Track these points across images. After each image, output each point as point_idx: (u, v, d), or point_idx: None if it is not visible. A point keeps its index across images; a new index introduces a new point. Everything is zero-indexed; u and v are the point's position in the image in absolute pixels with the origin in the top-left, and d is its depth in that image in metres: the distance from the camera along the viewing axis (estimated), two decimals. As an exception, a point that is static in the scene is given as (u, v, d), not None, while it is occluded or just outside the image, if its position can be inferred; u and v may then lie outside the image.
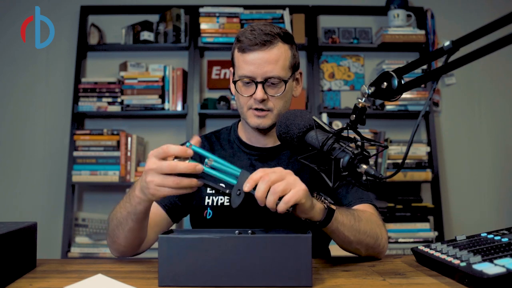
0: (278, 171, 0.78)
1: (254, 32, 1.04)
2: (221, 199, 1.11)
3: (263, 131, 1.12)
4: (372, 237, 0.94)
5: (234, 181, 0.79)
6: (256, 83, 1.04)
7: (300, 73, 1.16)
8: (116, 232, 0.96)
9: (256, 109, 1.06)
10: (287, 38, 1.07)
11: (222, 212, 1.10)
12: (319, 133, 0.81)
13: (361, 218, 0.94)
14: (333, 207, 0.85)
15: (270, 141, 1.15)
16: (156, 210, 1.09)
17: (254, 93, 1.04)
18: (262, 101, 1.05)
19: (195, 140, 0.82)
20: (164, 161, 0.78)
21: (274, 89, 1.05)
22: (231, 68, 1.15)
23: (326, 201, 0.84)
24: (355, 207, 1.05)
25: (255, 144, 1.16)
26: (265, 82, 1.04)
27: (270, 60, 1.03)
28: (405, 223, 2.56)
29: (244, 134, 1.17)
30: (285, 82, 1.05)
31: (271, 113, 1.07)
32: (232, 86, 1.12)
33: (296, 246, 0.72)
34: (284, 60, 1.05)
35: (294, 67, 1.10)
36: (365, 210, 1.02)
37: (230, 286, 0.76)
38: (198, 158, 1.12)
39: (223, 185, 0.81)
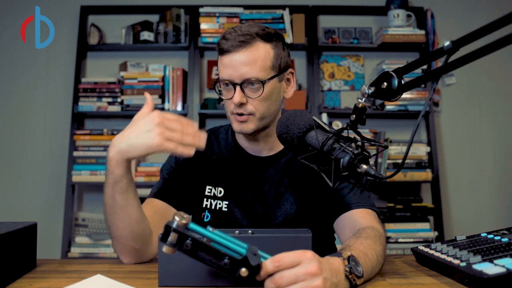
0: (294, 273, 0.64)
1: (233, 33, 1.00)
2: (219, 203, 1.11)
3: (253, 136, 1.09)
4: (382, 259, 0.86)
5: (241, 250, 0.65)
6: (234, 86, 1.00)
7: (292, 73, 1.11)
8: (113, 221, 0.92)
9: (237, 114, 1.02)
10: (268, 37, 1.02)
11: (220, 217, 1.10)
12: (319, 133, 0.81)
13: (373, 254, 0.81)
14: (357, 276, 0.72)
15: (265, 148, 1.12)
16: (164, 211, 1.07)
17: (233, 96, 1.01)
18: (241, 105, 1.00)
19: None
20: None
21: (252, 91, 1.00)
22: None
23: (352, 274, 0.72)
24: (354, 211, 1.02)
25: (250, 151, 1.13)
26: (243, 83, 1.00)
27: (246, 61, 0.99)
28: (405, 223, 2.56)
29: (239, 139, 1.14)
30: (263, 83, 1.00)
31: (253, 117, 1.02)
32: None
33: (296, 245, 0.72)
34: (264, 60, 1.00)
35: (280, 67, 1.05)
36: (365, 227, 0.94)
37: (230, 286, 0.76)
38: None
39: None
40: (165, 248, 0.63)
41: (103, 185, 0.92)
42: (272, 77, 1.02)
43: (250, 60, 0.99)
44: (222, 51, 1.02)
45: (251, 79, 0.99)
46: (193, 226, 0.64)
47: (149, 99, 0.90)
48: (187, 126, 0.84)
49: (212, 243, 0.64)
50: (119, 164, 0.86)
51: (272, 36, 1.03)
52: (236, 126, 1.05)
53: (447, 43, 0.68)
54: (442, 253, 0.85)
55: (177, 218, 0.63)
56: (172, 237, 0.62)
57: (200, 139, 0.84)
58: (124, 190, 0.89)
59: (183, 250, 0.63)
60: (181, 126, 0.83)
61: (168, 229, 0.63)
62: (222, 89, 1.05)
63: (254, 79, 0.99)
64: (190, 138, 0.83)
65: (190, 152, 0.83)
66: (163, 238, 0.63)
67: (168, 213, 1.07)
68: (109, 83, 2.64)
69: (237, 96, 1.00)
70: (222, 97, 1.05)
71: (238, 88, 1.00)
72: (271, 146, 1.12)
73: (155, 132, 0.82)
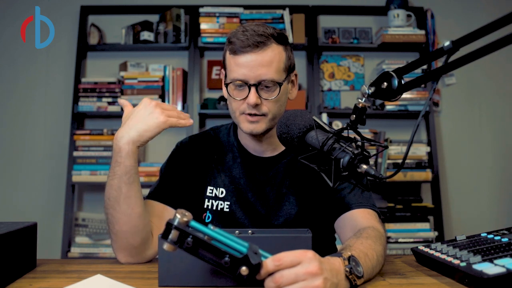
0: (294, 272, 0.64)
1: (246, 33, 0.99)
2: (221, 204, 1.10)
3: (258, 137, 1.08)
4: (382, 259, 0.86)
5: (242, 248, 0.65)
6: (249, 86, 0.99)
7: (295, 75, 1.12)
8: (115, 214, 0.93)
9: (250, 114, 1.02)
10: (281, 39, 1.02)
11: (222, 218, 1.10)
12: (319, 133, 0.81)
13: (373, 254, 0.81)
14: (356, 276, 0.72)
15: (268, 149, 1.12)
16: (160, 212, 1.07)
17: (247, 97, 1.00)
18: (256, 106, 1.00)
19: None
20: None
21: (268, 93, 1.00)
22: (222, 70, 1.10)
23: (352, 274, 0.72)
24: (354, 211, 1.02)
25: (252, 151, 1.12)
26: (259, 85, 0.99)
27: (263, 62, 0.98)
28: (405, 223, 2.57)
29: (242, 139, 1.14)
30: (280, 85, 1.01)
31: (265, 117, 1.02)
32: (224, 89, 1.08)
33: (296, 246, 0.72)
34: (279, 62, 1.00)
35: (289, 69, 1.06)
36: (366, 227, 0.93)
37: (230, 286, 0.76)
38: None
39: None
40: (166, 246, 0.63)
41: (107, 180, 0.96)
42: (285, 79, 1.03)
43: (267, 62, 0.99)
44: (237, 51, 0.99)
45: (267, 81, 0.99)
46: (194, 224, 0.64)
47: (125, 102, 1.01)
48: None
49: (213, 241, 0.64)
50: (130, 154, 0.93)
51: (284, 38, 1.04)
52: (246, 127, 1.04)
53: (447, 43, 0.68)
54: (442, 253, 0.85)
55: (178, 216, 0.63)
56: (173, 234, 0.62)
57: (187, 116, 0.99)
58: (132, 181, 0.94)
59: (184, 248, 0.63)
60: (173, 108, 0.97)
61: (169, 226, 0.63)
62: (232, 90, 1.04)
63: (270, 81, 0.99)
64: (182, 114, 0.98)
65: (189, 122, 0.98)
66: (164, 236, 0.63)
67: (165, 214, 1.06)
68: (109, 83, 2.64)
69: (254, 97, 0.99)
70: (235, 98, 1.03)
71: (253, 89, 0.99)
72: (274, 147, 1.12)
73: (157, 112, 0.93)
